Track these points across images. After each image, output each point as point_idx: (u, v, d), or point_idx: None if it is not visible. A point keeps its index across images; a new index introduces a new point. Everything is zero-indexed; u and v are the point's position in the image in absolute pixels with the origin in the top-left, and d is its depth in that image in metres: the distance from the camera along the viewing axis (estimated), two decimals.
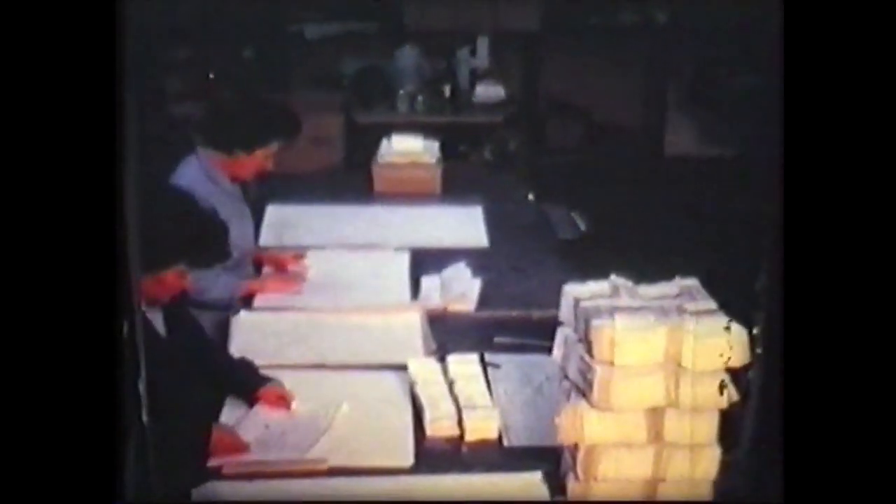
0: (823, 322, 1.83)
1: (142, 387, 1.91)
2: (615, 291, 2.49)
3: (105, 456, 1.73)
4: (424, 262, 3.89)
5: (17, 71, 1.67)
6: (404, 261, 3.93)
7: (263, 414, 2.87)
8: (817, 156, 1.84)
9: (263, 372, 3.00)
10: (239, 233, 3.56)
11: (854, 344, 1.82)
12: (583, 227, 4.56)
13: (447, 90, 6.62)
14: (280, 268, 3.86)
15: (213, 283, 3.48)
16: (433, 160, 4.77)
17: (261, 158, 3.70)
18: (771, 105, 1.88)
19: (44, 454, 1.69)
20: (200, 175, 3.61)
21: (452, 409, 2.86)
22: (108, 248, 1.72)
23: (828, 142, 1.83)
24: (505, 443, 2.79)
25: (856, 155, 1.82)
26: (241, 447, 2.71)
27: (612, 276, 2.55)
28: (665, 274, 2.57)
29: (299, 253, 3.90)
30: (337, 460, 2.68)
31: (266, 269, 3.87)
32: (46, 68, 1.68)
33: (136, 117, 1.74)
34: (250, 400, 2.91)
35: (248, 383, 2.94)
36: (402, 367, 3.07)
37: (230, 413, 2.89)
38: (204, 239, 2.87)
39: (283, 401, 2.91)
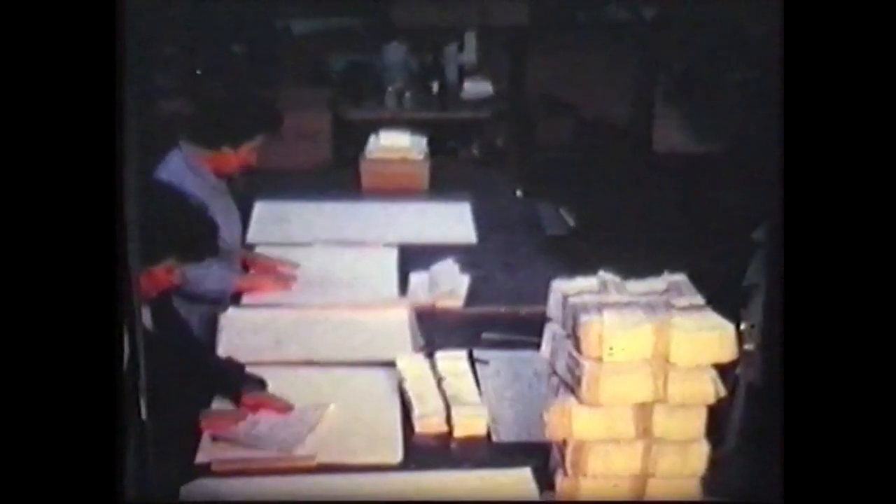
0: (823, 319, 1.83)
1: (141, 386, 1.91)
2: (603, 287, 2.49)
3: (105, 456, 1.72)
4: (413, 258, 3.89)
5: (17, 68, 1.67)
6: (392, 257, 3.93)
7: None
8: (816, 151, 1.84)
9: (252, 371, 2.98)
10: (226, 227, 3.56)
11: (854, 341, 1.82)
12: (571, 223, 4.56)
13: (435, 86, 6.61)
14: (270, 272, 3.85)
15: (206, 273, 3.49)
16: (421, 156, 4.76)
17: (245, 153, 3.71)
18: (763, 100, 1.88)
19: (44, 454, 1.69)
20: (185, 171, 3.60)
21: (441, 405, 2.86)
22: (109, 248, 1.71)
23: (826, 137, 1.83)
24: (493, 439, 2.80)
25: (855, 151, 1.82)
26: (236, 419, 2.75)
27: (601, 272, 2.55)
28: (653, 269, 2.58)
29: (292, 264, 3.86)
30: (325, 457, 2.68)
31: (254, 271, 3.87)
32: (47, 66, 1.67)
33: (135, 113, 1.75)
34: (234, 400, 2.90)
35: (233, 383, 2.93)
36: (391, 364, 3.07)
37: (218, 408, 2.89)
38: (194, 233, 2.88)
39: (276, 405, 2.88)
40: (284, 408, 2.87)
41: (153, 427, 2.00)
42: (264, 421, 2.83)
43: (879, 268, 1.81)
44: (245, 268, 3.87)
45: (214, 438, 2.73)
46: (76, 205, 1.69)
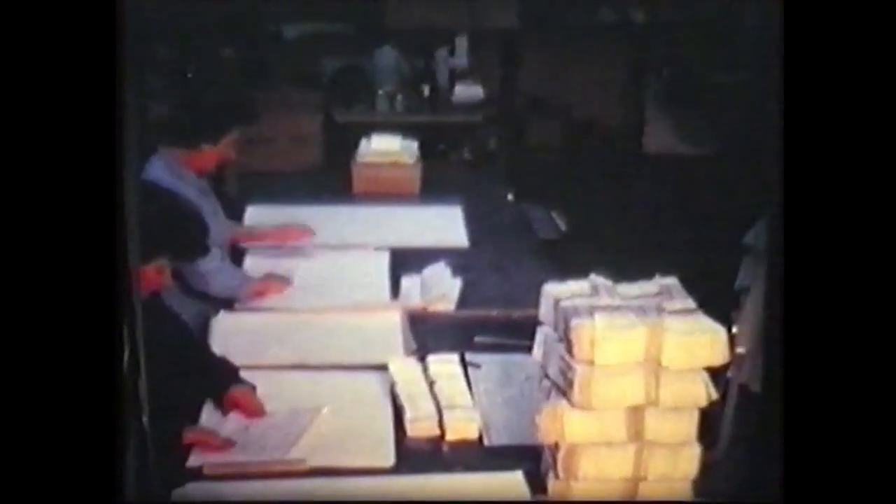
0: (824, 321, 1.82)
1: (142, 386, 1.91)
2: (595, 291, 2.50)
3: (105, 456, 1.72)
4: (404, 261, 3.89)
5: (17, 66, 1.66)
6: (384, 261, 3.93)
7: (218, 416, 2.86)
8: (816, 152, 1.83)
9: (243, 376, 2.98)
10: (214, 227, 3.58)
11: (854, 343, 1.81)
12: (562, 226, 4.57)
13: (426, 90, 6.62)
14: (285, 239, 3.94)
15: (217, 274, 3.50)
16: (412, 160, 4.77)
17: (224, 148, 3.73)
18: (753, 103, 1.88)
19: (44, 454, 1.68)
20: (167, 174, 3.61)
21: (433, 408, 2.86)
22: (109, 248, 1.71)
23: (826, 137, 1.83)
24: (485, 442, 2.79)
25: (855, 151, 1.82)
26: (222, 444, 2.71)
27: (592, 276, 2.55)
28: (644, 273, 2.58)
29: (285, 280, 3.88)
30: (317, 461, 2.68)
31: (250, 263, 3.88)
32: (47, 66, 1.67)
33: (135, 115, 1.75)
34: (220, 400, 2.89)
35: (221, 382, 2.93)
36: (383, 367, 3.06)
37: (210, 412, 2.89)
38: (185, 232, 2.89)
39: (251, 406, 2.88)
40: (256, 412, 2.86)
41: (151, 428, 2.00)
42: (256, 425, 2.82)
43: (879, 267, 1.81)
44: (235, 245, 3.92)
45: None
46: (76, 205, 1.69)
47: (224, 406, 2.87)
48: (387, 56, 6.63)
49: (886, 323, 1.80)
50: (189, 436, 2.71)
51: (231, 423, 2.83)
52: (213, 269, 3.49)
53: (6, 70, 1.65)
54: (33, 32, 1.67)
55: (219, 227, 3.78)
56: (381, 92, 6.51)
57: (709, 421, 2.51)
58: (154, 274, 2.82)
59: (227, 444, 2.72)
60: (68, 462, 1.68)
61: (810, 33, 1.82)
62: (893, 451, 1.79)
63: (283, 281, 3.72)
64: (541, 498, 2.52)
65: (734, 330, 2.52)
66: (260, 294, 3.64)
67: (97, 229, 1.70)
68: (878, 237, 1.81)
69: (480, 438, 2.81)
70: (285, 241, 3.98)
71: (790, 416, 1.85)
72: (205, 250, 3.09)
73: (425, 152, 4.94)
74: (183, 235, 2.91)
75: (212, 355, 3.11)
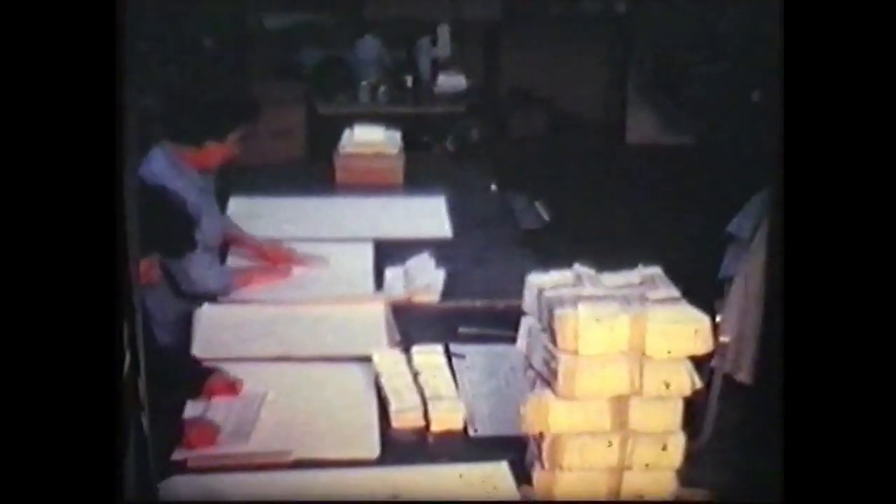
0: (824, 318, 1.82)
1: (142, 386, 1.90)
2: (578, 280, 2.50)
3: (105, 456, 1.71)
4: (388, 253, 3.88)
5: (18, 62, 1.65)
6: (368, 252, 3.92)
7: (201, 405, 2.86)
8: (815, 146, 1.83)
9: (226, 367, 2.98)
10: (210, 226, 3.57)
11: (855, 341, 1.81)
12: (546, 216, 4.57)
13: (409, 80, 6.61)
14: (267, 259, 3.88)
15: (206, 273, 3.50)
16: (395, 151, 4.75)
17: (229, 144, 3.71)
18: (736, 93, 1.88)
19: (44, 454, 1.67)
20: (169, 169, 3.57)
21: (417, 400, 2.86)
22: (109, 248, 1.70)
23: (824, 130, 1.82)
24: (470, 433, 2.80)
25: (853, 146, 1.82)
26: (215, 434, 2.71)
27: (576, 265, 2.55)
28: (628, 262, 2.58)
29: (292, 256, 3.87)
30: (302, 453, 2.68)
31: (231, 260, 3.86)
32: (46, 63, 1.66)
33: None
34: (199, 393, 2.89)
35: (196, 377, 2.93)
36: (367, 359, 3.06)
37: (192, 406, 2.88)
38: (173, 229, 2.88)
39: (231, 387, 2.90)
40: (233, 389, 2.90)
41: (150, 425, 1.99)
42: (212, 412, 2.81)
43: (879, 263, 1.81)
44: (225, 246, 3.90)
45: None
46: (76, 204, 1.68)
47: (205, 394, 2.87)
48: (368, 47, 6.62)
49: (885, 317, 1.80)
50: (190, 429, 2.70)
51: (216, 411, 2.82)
52: (201, 275, 3.48)
53: (5, 68, 1.64)
54: (32, 30, 1.66)
55: (214, 228, 3.76)
56: (363, 83, 6.49)
57: (693, 410, 2.52)
58: (145, 268, 2.82)
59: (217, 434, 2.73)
60: (68, 461, 1.67)
61: (809, 28, 1.82)
62: (894, 448, 1.79)
63: (277, 271, 3.72)
64: (526, 488, 2.52)
65: (718, 319, 2.52)
66: (252, 281, 3.64)
67: (99, 227, 1.69)
68: (875, 231, 1.81)
69: (465, 429, 2.81)
70: (271, 262, 3.85)
71: (790, 412, 1.85)
72: (193, 245, 3.07)
73: (408, 143, 4.92)
74: (172, 231, 2.90)
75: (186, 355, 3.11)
